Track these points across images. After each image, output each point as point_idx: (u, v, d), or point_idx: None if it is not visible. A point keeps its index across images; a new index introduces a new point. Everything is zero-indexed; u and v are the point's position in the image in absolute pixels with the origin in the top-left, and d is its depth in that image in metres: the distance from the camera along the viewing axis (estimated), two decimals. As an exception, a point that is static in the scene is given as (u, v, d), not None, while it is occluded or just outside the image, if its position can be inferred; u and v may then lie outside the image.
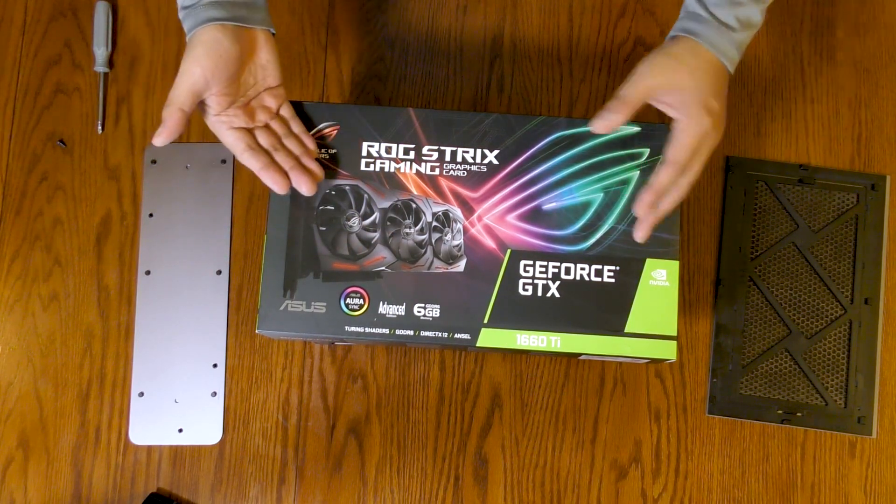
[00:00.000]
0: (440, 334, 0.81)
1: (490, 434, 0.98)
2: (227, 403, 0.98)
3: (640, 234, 0.81)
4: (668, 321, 0.82)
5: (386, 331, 0.81)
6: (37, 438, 0.97)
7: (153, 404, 0.98)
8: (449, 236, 0.82)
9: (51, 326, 0.99)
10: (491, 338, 0.81)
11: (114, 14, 1.05)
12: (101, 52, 1.03)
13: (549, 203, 0.83)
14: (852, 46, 1.06)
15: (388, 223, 0.82)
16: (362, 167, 0.83)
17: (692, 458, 0.97)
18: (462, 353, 0.99)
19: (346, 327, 0.81)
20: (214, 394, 0.98)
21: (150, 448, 0.97)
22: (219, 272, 1.00)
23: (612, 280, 0.82)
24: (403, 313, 0.81)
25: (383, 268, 0.82)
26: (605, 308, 0.82)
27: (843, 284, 1.00)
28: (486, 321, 0.81)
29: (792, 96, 1.04)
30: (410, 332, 0.81)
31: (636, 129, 0.84)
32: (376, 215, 0.82)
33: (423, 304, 0.81)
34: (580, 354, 0.84)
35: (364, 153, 0.83)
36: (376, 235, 0.82)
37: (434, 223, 0.82)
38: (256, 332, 0.83)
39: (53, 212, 1.01)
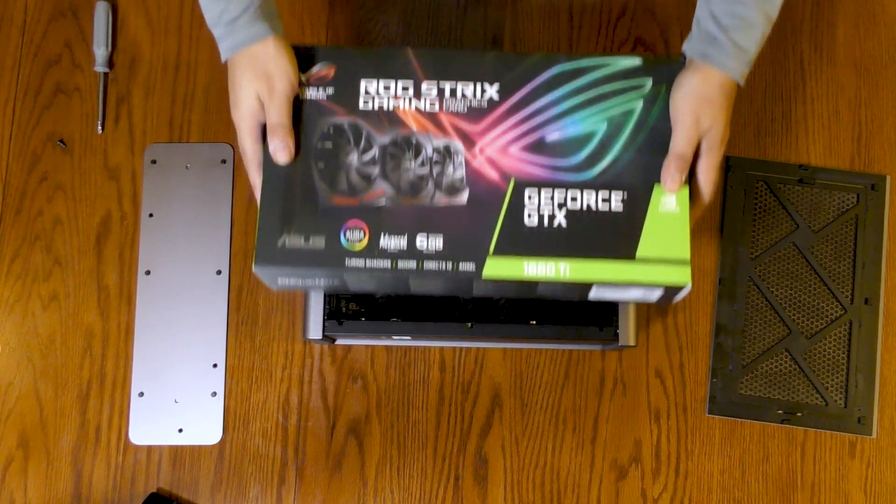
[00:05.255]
0: (444, 265, 0.77)
1: (490, 434, 0.98)
2: (227, 403, 0.98)
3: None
4: (681, 245, 0.78)
5: (388, 263, 0.77)
6: (37, 438, 0.97)
7: (153, 404, 0.98)
8: (450, 169, 0.80)
9: (51, 326, 0.99)
10: (497, 267, 0.77)
11: (114, 14, 1.05)
12: (101, 52, 1.03)
13: (553, 134, 0.80)
14: (852, 46, 1.06)
15: (388, 158, 0.80)
16: (360, 105, 0.81)
17: (692, 458, 0.97)
18: (462, 352, 0.99)
19: (347, 261, 0.77)
20: (214, 394, 0.98)
21: (150, 448, 0.97)
22: (219, 272, 1.00)
23: (620, 207, 0.79)
24: (405, 246, 0.78)
25: (384, 201, 0.79)
26: (614, 235, 0.78)
27: (843, 284, 1.00)
28: (491, 251, 0.78)
29: (792, 96, 1.04)
30: (413, 265, 0.77)
31: (638, 61, 0.82)
32: (375, 151, 0.80)
33: (425, 236, 0.78)
34: (591, 285, 0.80)
35: (362, 91, 0.81)
36: (376, 170, 0.80)
37: (435, 157, 0.80)
38: (253, 270, 0.78)
39: (53, 212, 1.01)
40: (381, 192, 0.79)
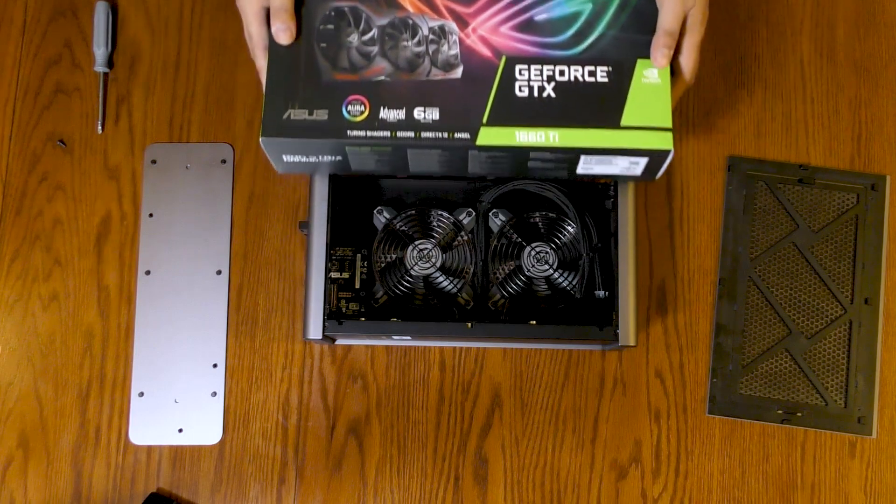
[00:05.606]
0: (440, 135, 0.82)
1: (490, 434, 0.98)
2: (227, 403, 0.98)
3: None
4: (663, 114, 0.83)
5: (387, 133, 0.82)
6: (37, 438, 0.97)
7: (153, 404, 0.98)
8: (445, 47, 0.85)
9: (51, 326, 0.99)
10: (491, 136, 0.82)
11: (114, 14, 1.05)
12: (101, 52, 1.03)
13: (541, 14, 0.86)
14: (852, 46, 1.06)
15: (386, 38, 0.85)
16: None
17: (692, 458, 0.97)
18: (462, 352, 0.99)
19: (349, 132, 0.82)
20: (214, 394, 0.98)
21: (150, 448, 0.97)
22: (219, 272, 1.00)
23: (606, 79, 0.83)
24: (404, 117, 0.82)
25: (383, 77, 0.84)
26: (600, 105, 0.83)
27: (843, 284, 1.00)
28: (484, 121, 0.82)
29: (792, 96, 1.05)
30: (411, 134, 0.82)
31: None
32: (374, 31, 0.85)
33: (422, 108, 0.83)
34: (579, 157, 0.84)
35: None
36: (375, 49, 0.85)
37: (430, 36, 0.85)
38: (260, 141, 0.82)
39: (53, 212, 1.01)
40: (381, 69, 0.84)
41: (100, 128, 1.03)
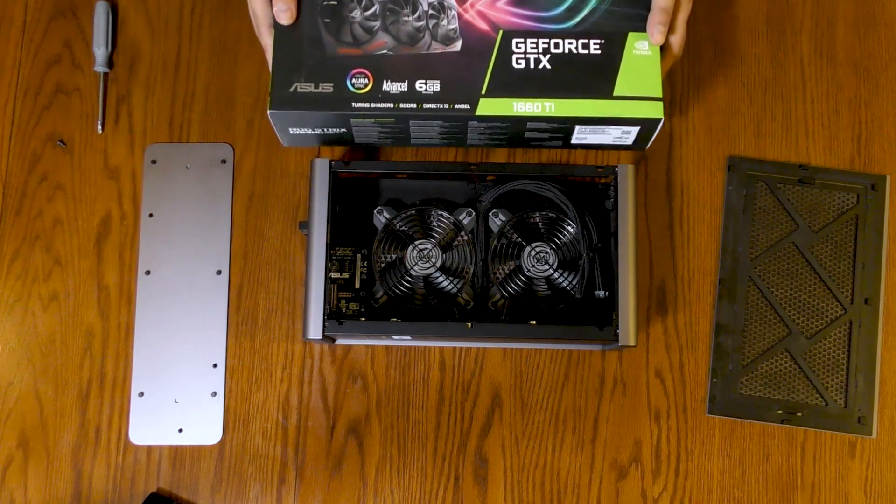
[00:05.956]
0: (441, 106, 0.86)
1: (490, 434, 0.98)
2: (227, 403, 0.98)
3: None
4: (654, 85, 0.87)
5: (390, 105, 0.86)
6: (37, 438, 0.97)
7: (153, 404, 0.98)
8: (445, 21, 0.89)
9: (51, 326, 0.99)
10: (489, 106, 0.87)
11: (114, 14, 1.05)
12: (101, 52, 1.03)
13: None
14: (852, 46, 1.06)
15: (388, 13, 0.89)
16: None
17: (692, 458, 0.97)
18: (462, 352, 0.99)
19: (353, 104, 0.86)
20: (214, 394, 0.98)
21: (150, 448, 0.97)
22: (219, 272, 1.00)
23: (599, 51, 0.88)
24: (406, 89, 0.86)
25: (385, 51, 0.88)
26: (593, 76, 0.87)
27: (843, 284, 1.00)
28: (483, 92, 0.87)
29: (792, 96, 1.04)
30: (413, 106, 0.86)
31: None
32: (376, 7, 0.89)
33: (423, 81, 0.87)
34: (573, 127, 0.88)
35: None
36: (377, 24, 0.89)
37: (430, 11, 0.89)
38: (268, 113, 0.86)
39: (53, 212, 1.01)
40: (383, 43, 0.88)
41: (100, 128, 1.03)
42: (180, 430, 0.97)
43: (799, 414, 0.98)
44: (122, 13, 1.05)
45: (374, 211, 0.93)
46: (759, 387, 0.98)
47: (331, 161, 0.90)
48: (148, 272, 1.00)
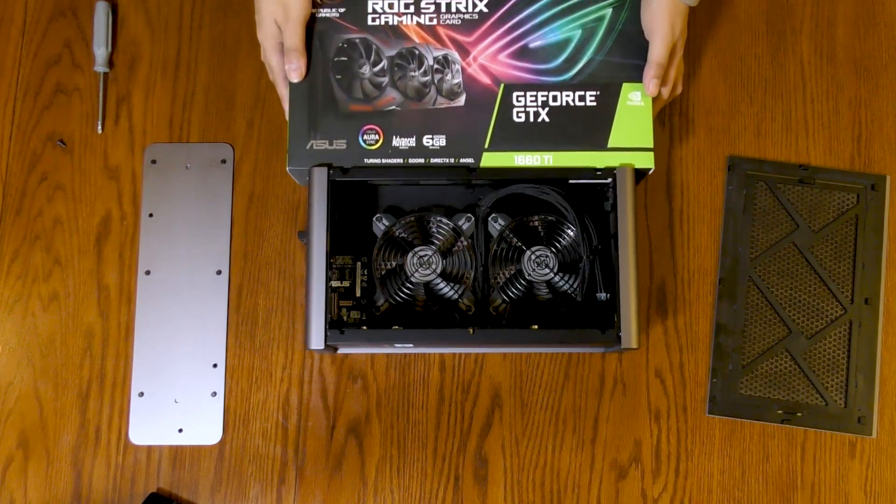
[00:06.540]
0: (447, 160, 0.90)
1: (490, 434, 0.98)
2: (227, 403, 0.98)
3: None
4: (646, 135, 0.91)
5: (400, 160, 0.90)
6: (37, 438, 0.97)
7: (153, 404, 0.98)
8: (449, 76, 0.92)
9: (51, 326, 0.99)
10: (492, 159, 0.91)
11: (114, 14, 1.05)
12: (101, 52, 1.03)
13: (535, 41, 0.93)
14: (852, 46, 1.06)
15: (395, 68, 0.92)
16: (369, 22, 0.93)
17: (692, 458, 0.98)
18: (462, 353, 0.99)
19: (366, 160, 0.90)
20: (214, 394, 0.98)
21: (150, 448, 0.97)
22: (219, 272, 1.00)
23: (594, 103, 0.91)
24: (414, 144, 0.91)
25: (394, 107, 0.92)
26: (589, 127, 0.91)
27: (843, 284, 1.00)
28: (486, 146, 0.91)
29: (792, 96, 1.04)
30: (421, 160, 0.90)
31: None
32: (384, 62, 0.92)
33: (430, 136, 0.91)
34: (569, 172, 0.91)
35: (370, 10, 0.93)
36: (385, 79, 0.92)
37: (435, 66, 0.92)
38: (287, 170, 0.90)
39: (53, 212, 1.01)
40: (392, 99, 0.92)
41: (100, 128, 1.03)
42: (180, 430, 0.97)
43: (799, 414, 0.98)
44: (122, 13, 1.05)
45: (374, 218, 0.93)
46: (759, 387, 0.98)
47: (329, 170, 0.90)
48: (148, 272, 1.00)
